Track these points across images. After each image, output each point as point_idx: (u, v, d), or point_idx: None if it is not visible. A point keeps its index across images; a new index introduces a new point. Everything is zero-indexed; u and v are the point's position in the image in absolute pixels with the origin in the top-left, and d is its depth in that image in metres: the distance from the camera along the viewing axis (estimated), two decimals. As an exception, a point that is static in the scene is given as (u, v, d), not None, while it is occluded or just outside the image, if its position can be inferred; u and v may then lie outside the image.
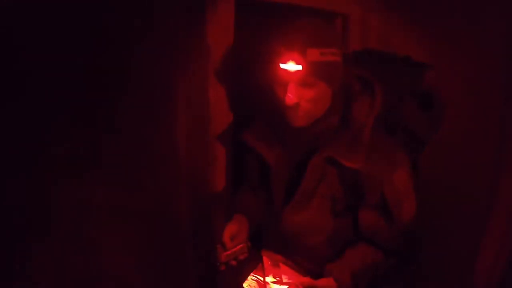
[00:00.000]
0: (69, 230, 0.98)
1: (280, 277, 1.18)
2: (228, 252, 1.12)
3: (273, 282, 1.17)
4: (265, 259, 1.23)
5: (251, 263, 1.22)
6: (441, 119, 1.16)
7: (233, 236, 1.15)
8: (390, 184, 1.08)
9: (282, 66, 1.01)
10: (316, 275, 1.14)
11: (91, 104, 1.05)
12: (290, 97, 1.02)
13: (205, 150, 1.36)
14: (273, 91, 1.07)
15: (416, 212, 1.10)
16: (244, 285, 1.18)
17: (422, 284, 1.16)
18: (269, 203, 1.22)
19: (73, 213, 1.01)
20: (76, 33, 0.99)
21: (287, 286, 1.15)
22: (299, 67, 1.00)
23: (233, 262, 1.14)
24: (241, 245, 1.15)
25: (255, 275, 1.21)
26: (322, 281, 1.09)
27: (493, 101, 1.05)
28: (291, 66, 1.00)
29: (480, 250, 1.04)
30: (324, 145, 1.10)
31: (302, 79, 1.02)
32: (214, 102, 1.35)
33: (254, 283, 1.19)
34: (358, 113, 1.10)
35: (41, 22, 0.92)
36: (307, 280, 1.11)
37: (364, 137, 1.08)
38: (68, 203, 1.01)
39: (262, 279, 1.19)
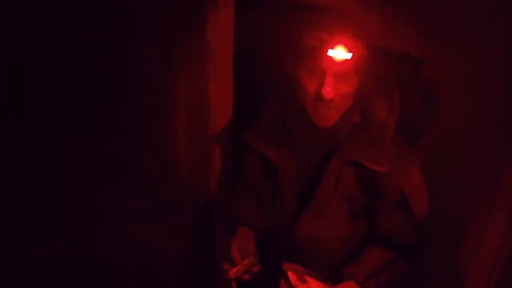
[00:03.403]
0: (67, 230, 1.00)
1: None
2: (238, 267, 1.04)
3: None
4: (290, 274, 1.12)
5: (272, 279, 1.13)
6: (438, 111, 1.14)
7: (240, 250, 1.08)
8: (407, 180, 1.06)
9: (330, 52, 0.93)
10: (330, 279, 1.11)
11: (91, 104, 1.06)
12: (328, 90, 0.94)
13: (205, 150, 1.36)
14: (299, 86, 1.00)
15: (429, 206, 1.08)
16: None
17: (421, 283, 1.15)
18: (278, 210, 1.15)
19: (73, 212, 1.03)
20: (75, 35, 1.00)
21: None
22: (349, 55, 0.93)
23: (247, 277, 1.06)
24: (250, 258, 1.06)
25: None
26: (344, 286, 1.06)
27: (495, 101, 1.04)
28: (340, 53, 0.93)
29: (479, 250, 1.03)
30: (341, 146, 1.06)
31: (343, 70, 0.95)
32: (214, 101, 1.35)
33: None
34: (380, 112, 1.07)
35: (48, 20, 0.93)
36: None
37: (387, 136, 1.05)
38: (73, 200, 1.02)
39: None
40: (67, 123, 1.03)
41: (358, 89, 1.02)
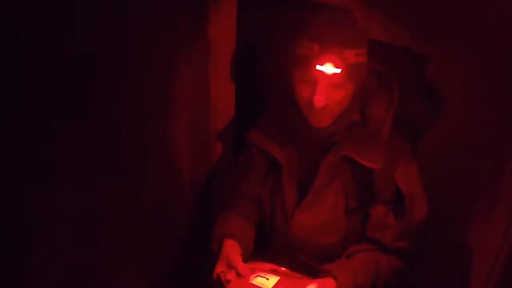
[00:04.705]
0: (69, 228, 1.01)
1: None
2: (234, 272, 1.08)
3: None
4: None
5: None
6: (441, 110, 1.14)
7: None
8: (405, 180, 1.06)
9: (318, 67, 0.94)
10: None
11: (92, 103, 1.06)
12: (320, 99, 0.96)
13: (206, 149, 1.37)
14: (295, 89, 1.02)
15: (428, 211, 1.08)
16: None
17: (421, 283, 1.15)
18: (279, 207, 1.18)
19: (74, 211, 1.04)
20: (74, 32, 1.00)
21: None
22: (338, 70, 0.93)
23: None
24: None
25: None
26: (320, 281, 1.06)
27: (496, 101, 1.03)
28: (329, 69, 0.93)
29: (479, 250, 1.03)
30: (339, 142, 1.08)
31: (334, 81, 0.96)
32: (216, 101, 1.36)
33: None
34: (378, 109, 1.08)
35: (39, 18, 0.93)
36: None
37: (384, 133, 1.06)
38: (71, 201, 1.03)
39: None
40: (67, 122, 1.04)
41: (356, 90, 1.02)
